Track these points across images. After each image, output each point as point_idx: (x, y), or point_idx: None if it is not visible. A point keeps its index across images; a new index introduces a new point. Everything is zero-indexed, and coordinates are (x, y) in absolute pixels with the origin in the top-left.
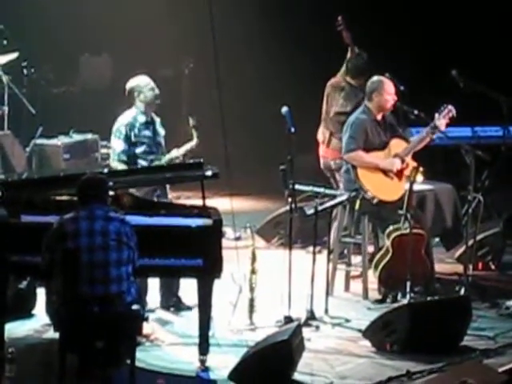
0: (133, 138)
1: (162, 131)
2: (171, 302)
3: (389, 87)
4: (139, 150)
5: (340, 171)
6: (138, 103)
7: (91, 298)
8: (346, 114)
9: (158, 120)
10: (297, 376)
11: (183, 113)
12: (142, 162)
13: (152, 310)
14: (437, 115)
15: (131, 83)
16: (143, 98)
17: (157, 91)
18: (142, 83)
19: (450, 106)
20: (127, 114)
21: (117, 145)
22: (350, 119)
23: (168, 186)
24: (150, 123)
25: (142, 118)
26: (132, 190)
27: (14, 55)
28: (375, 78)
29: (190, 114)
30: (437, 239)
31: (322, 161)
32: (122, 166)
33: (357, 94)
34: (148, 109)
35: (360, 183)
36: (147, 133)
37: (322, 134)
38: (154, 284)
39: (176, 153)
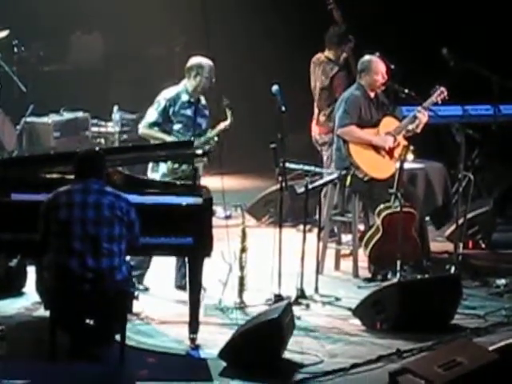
0: (170, 114)
1: (206, 112)
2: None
3: (378, 66)
4: (176, 127)
5: (325, 146)
6: (191, 82)
7: (82, 271)
8: (326, 89)
9: (203, 101)
10: (287, 354)
11: None
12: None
13: (147, 289)
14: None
15: (195, 60)
16: (198, 81)
17: (213, 81)
18: (205, 68)
19: (442, 88)
20: (172, 89)
21: (150, 115)
22: (344, 95)
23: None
24: (192, 103)
25: (185, 97)
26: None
27: (4, 33)
28: (366, 57)
29: (223, 94)
30: (427, 218)
31: (312, 135)
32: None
33: (332, 67)
34: (194, 92)
35: (352, 159)
36: (188, 112)
37: (315, 109)
38: (155, 264)
39: (210, 134)
